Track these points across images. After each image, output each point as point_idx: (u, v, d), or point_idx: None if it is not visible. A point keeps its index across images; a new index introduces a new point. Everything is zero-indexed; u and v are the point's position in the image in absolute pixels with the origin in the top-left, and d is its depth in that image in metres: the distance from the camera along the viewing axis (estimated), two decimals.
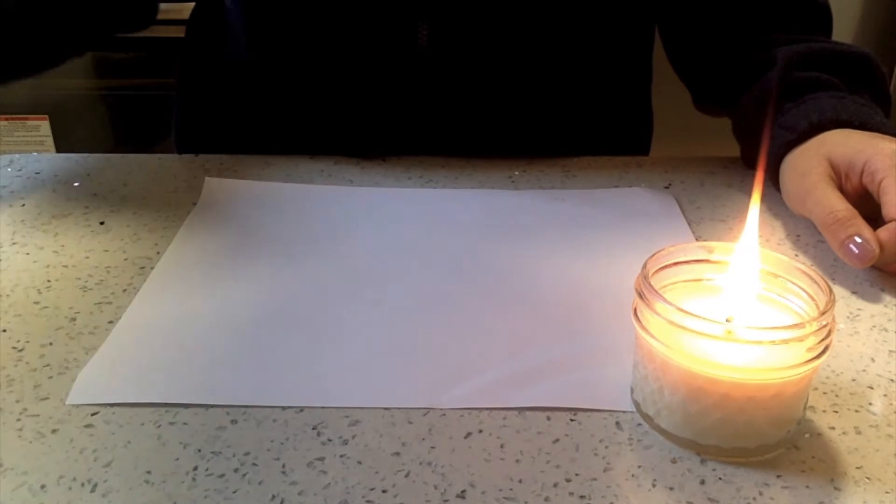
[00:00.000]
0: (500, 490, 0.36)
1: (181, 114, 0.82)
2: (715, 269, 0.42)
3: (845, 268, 0.54)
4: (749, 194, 0.64)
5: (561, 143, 0.72)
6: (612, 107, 0.78)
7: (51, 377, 0.43)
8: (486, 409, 0.41)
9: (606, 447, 0.39)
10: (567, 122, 0.75)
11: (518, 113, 0.72)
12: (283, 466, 0.38)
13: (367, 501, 0.36)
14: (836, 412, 0.41)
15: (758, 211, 0.40)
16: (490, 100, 0.72)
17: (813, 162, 0.57)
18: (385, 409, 0.41)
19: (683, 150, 0.73)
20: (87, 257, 0.54)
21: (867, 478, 0.37)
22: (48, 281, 0.51)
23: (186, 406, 0.41)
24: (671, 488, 0.37)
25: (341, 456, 0.38)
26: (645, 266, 0.40)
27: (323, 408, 0.41)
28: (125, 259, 0.54)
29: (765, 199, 0.63)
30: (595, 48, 0.73)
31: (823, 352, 0.37)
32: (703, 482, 0.37)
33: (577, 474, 0.37)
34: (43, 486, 0.36)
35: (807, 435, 0.40)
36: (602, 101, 0.77)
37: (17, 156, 0.69)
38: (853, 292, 0.51)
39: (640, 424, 0.40)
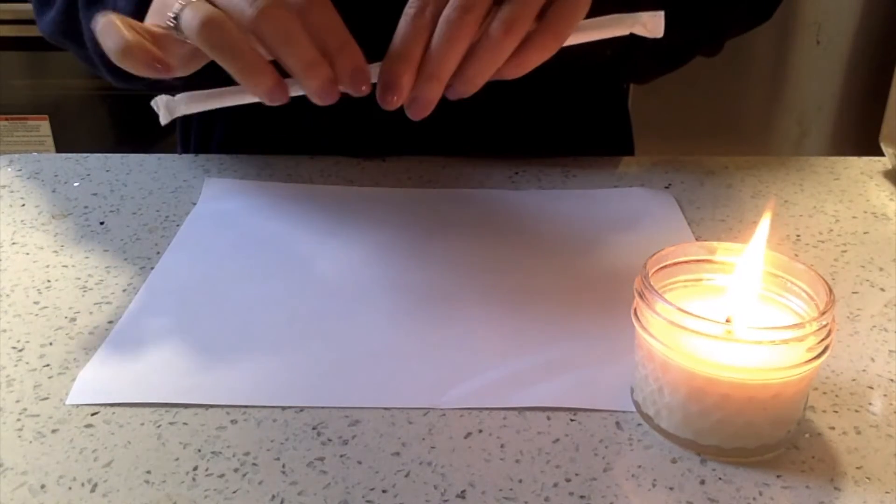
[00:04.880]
0: (500, 490, 0.36)
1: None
2: (715, 269, 0.42)
3: (845, 268, 0.54)
4: (749, 194, 0.64)
5: (561, 143, 0.71)
6: (590, 108, 0.78)
7: (51, 377, 0.43)
8: (486, 409, 0.41)
9: (606, 447, 0.39)
10: (566, 123, 0.74)
11: (518, 113, 0.72)
12: (283, 466, 0.38)
13: (367, 501, 0.36)
14: (836, 412, 0.41)
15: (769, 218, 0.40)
16: (489, 100, 0.72)
17: None
18: (385, 409, 0.41)
19: (683, 151, 0.73)
20: (87, 257, 0.54)
21: (867, 478, 0.37)
22: (48, 281, 0.51)
23: (186, 406, 0.41)
24: (671, 488, 0.37)
25: (341, 456, 0.38)
26: (645, 266, 0.40)
27: (323, 408, 0.41)
28: (125, 259, 0.54)
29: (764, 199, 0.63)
30: (593, 49, 0.73)
31: (823, 352, 0.37)
32: (703, 482, 0.37)
33: (577, 474, 0.37)
34: (43, 486, 0.36)
35: (807, 435, 0.40)
36: (581, 102, 0.76)
37: (17, 156, 0.69)
38: (853, 292, 0.51)
39: (640, 424, 0.40)
